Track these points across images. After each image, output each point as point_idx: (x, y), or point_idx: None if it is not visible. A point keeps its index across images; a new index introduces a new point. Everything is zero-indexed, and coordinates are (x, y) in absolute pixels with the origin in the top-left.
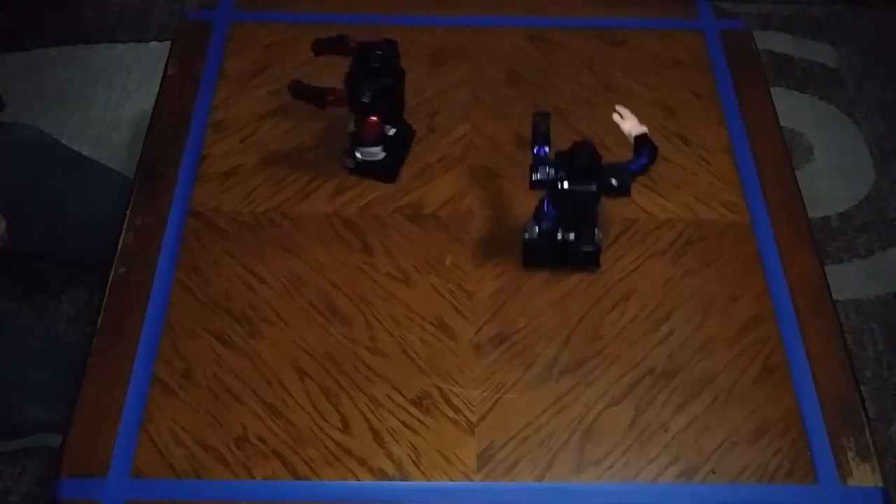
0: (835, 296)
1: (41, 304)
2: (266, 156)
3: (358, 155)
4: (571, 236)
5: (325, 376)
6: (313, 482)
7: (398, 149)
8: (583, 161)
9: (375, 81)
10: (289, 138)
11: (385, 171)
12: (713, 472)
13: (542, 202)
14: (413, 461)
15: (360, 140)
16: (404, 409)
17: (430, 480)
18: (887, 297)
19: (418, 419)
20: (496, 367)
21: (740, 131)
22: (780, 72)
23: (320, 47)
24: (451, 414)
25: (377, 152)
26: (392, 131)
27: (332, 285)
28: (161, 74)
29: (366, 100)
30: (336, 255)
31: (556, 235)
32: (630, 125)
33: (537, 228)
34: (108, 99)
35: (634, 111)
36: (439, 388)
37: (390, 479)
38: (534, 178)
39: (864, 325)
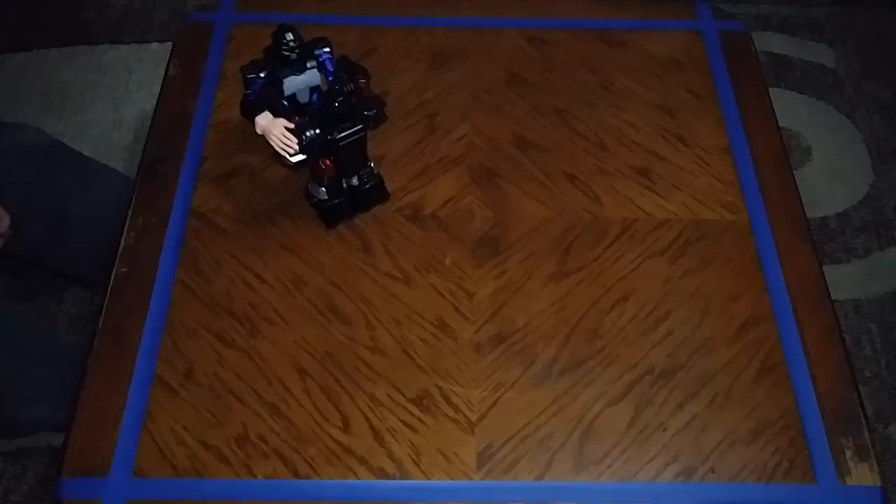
0: (833, 296)
1: (43, 303)
2: (266, 156)
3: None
4: (355, 181)
5: (326, 375)
6: (314, 481)
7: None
8: (341, 106)
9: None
10: None
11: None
12: (712, 472)
13: (316, 161)
14: (413, 460)
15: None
16: (404, 408)
17: (430, 479)
18: (885, 296)
19: (418, 418)
20: (496, 367)
21: (739, 132)
22: (779, 72)
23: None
24: (451, 413)
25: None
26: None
27: (332, 285)
28: (162, 75)
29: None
30: (336, 254)
31: (342, 186)
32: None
33: (323, 189)
34: (109, 99)
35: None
36: (439, 388)
37: (390, 478)
38: (305, 138)
39: (863, 324)
